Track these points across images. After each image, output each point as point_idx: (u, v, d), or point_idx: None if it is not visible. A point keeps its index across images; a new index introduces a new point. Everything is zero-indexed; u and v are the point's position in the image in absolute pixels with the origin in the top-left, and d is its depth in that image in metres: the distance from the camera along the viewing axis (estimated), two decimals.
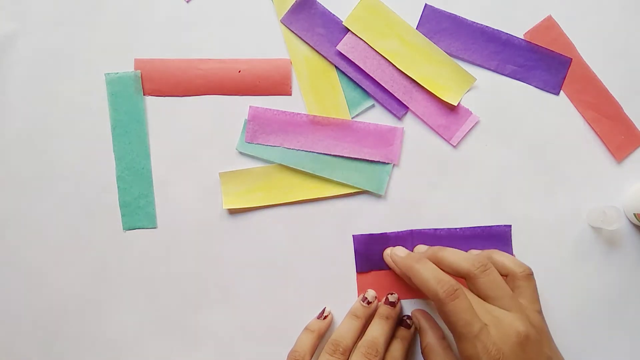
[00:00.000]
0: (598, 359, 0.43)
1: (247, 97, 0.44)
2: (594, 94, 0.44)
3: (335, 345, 0.38)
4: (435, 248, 0.38)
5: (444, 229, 0.43)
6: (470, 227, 0.43)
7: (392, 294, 0.42)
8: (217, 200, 0.44)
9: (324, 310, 0.42)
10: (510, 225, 0.43)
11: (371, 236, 0.43)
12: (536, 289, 0.38)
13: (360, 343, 0.39)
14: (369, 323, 0.41)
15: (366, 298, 0.41)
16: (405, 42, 0.43)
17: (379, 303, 0.42)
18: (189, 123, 0.44)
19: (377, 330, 0.39)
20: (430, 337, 0.40)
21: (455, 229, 0.43)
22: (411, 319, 0.42)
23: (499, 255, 0.39)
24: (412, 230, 0.43)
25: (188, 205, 0.44)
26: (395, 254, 0.40)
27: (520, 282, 0.37)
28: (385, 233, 0.43)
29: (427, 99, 0.44)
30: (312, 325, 0.41)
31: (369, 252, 0.43)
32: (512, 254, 0.43)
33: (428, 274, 0.35)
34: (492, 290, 0.35)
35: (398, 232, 0.43)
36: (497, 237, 0.43)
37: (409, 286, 0.43)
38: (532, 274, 0.38)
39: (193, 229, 0.44)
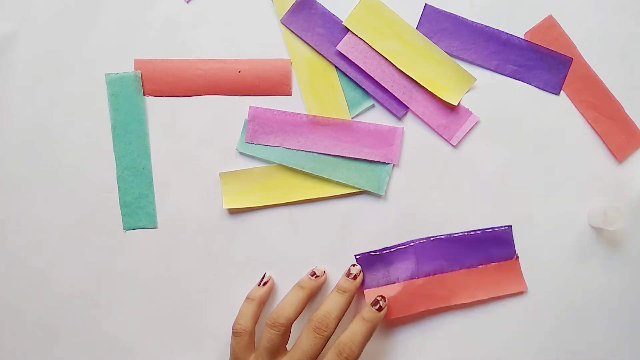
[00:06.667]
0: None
1: (247, 97, 0.44)
2: (595, 93, 0.44)
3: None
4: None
5: (443, 237, 0.43)
6: (472, 231, 0.43)
7: (354, 265, 0.42)
8: (217, 200, 0.44)
9: (264, 276, 0.43)
10: (510, 226, 0.43)
11: (373, 254, 0.43)
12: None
13: (312, 316, 0.38)
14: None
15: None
16: (405, 42, 0.43)
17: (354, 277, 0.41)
18: (189, 123, 0.44)
19: (330, 304, 0.39)
20: None
21: (456, 235, 0.43)
22: (384, 300, 0.40)
23: None
24: (413, 244, 0.43)
25: (188, 205, 0.44)
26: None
27: None
28: (387, 248, 0.43)
29: (427, 99, 0.44)
30: (253, 293, 0.41)
31: (373, 270, 0.43)
32: (515, 254, 0.43)
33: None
34: None
35: (398, 246, 0.43)
36: (499, 240, 0.43)
37: (422, 300, 0.42)
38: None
39: (193, 229, 0.44)
